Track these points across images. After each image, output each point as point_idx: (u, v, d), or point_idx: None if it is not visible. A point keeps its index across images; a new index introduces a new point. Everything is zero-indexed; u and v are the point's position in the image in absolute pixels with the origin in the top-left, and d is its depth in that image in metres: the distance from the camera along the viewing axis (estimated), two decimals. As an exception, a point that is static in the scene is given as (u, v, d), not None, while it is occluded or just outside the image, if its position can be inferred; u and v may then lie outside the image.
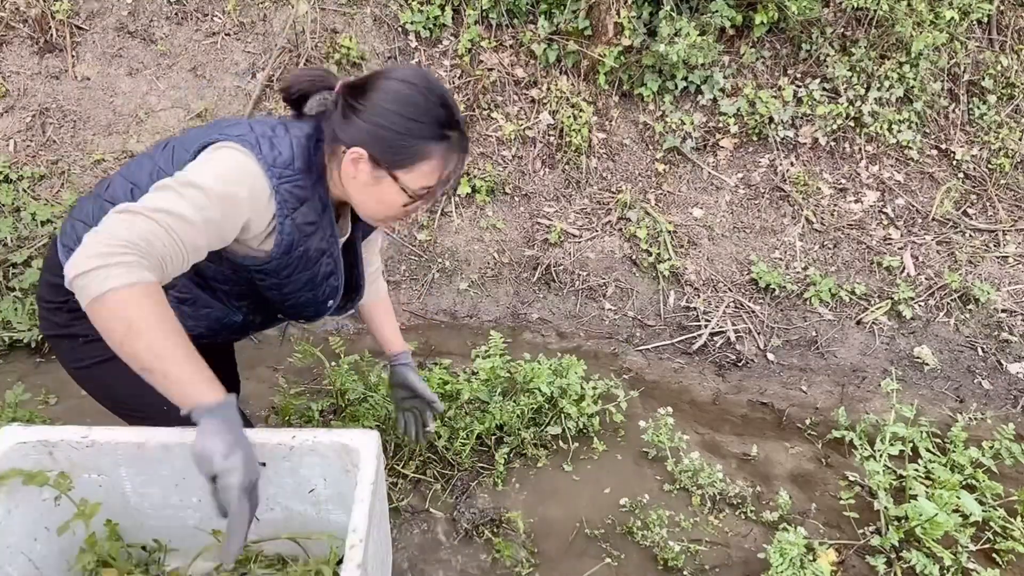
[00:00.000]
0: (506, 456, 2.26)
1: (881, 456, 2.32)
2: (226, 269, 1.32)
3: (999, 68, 3.82)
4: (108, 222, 1.04)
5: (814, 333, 3.23)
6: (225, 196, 1.12)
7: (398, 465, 2.24)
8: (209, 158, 1.16)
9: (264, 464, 1.29)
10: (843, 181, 3.68)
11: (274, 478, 1.32)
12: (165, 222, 1.05)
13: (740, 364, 3.09)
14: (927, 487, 2.28)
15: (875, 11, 3.49)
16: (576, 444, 2.41)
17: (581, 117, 3.52)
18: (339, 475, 1.31)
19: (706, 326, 3.20)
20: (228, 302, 1.40)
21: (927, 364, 3.12)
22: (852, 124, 3.68)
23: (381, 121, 1.16)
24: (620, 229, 3.47)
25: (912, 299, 3.32)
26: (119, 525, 1.38)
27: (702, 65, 3.53)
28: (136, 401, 1.37)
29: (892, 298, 3.32)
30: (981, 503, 2.24)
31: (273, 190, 1.17)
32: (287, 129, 1.22)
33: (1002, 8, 3.92)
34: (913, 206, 3.65)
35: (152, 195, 1.10)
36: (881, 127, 3.66)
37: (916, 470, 2.36)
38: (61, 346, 1.43)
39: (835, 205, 3.63)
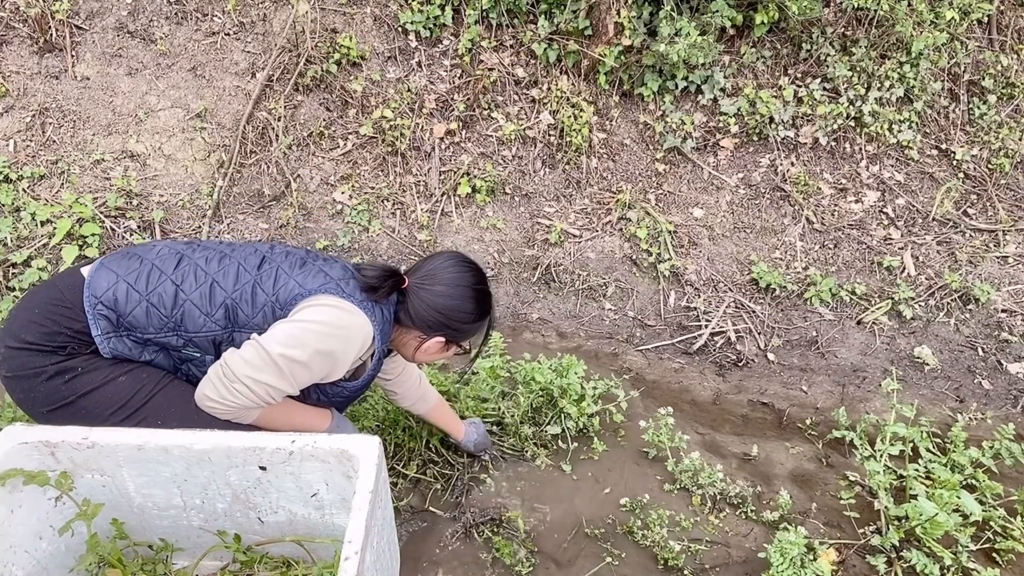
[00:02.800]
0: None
1: (881, 456, 2.33)
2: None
3: (999, 68, 3.82)
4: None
5: (814, 333, 3.23)
6: (344, 361, 1.50)
7: (398, 465, 2.24)
8: (339, 326, 1.47)
9: (264, 468, 1.29)
10: (843, 181, 3.68)
11: (275, 482, 1.33)
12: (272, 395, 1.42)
13: (740, 364, 3.10)
14: (927, 487, 2.29)
15: (875, 11, 3.49)
16: (576, 444, 2.41)
17: (581, 117, 3.51)
18: (341, 480, 1.32)
19: (706, 326, 3.20)
20: None
21: (927, 364, 3.13)
22: (852, 124, 3.68)
23: (453, 317, 1.62)
24: (620, 229, 3.47)
25: (912, 299, 3.33)
26: (125, 524, 1.39)
27: (702, 65, 3.52)
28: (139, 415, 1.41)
29: (892, 298, 3.32)
30: (981, 503, 2.24)
31: (373, 342, 1.56)
32: (376, 302, 1.55)
33: (1002, 8, 3.92)
34: (913, 206, 3.65)
35: (285, 380, 1.39)
36: (881, 127, 3.66)
37: (916, 470, 2.36)
38: (37, 388, 1.38)
39: (835, 205, 3.63)
